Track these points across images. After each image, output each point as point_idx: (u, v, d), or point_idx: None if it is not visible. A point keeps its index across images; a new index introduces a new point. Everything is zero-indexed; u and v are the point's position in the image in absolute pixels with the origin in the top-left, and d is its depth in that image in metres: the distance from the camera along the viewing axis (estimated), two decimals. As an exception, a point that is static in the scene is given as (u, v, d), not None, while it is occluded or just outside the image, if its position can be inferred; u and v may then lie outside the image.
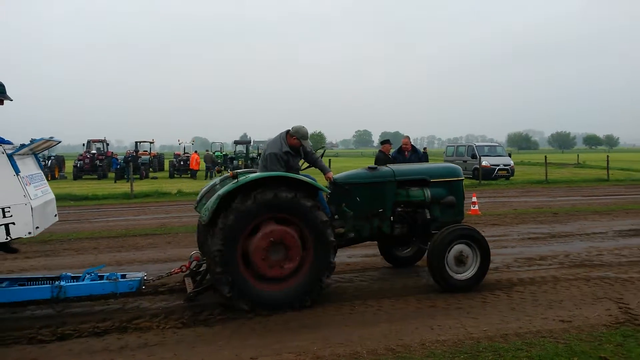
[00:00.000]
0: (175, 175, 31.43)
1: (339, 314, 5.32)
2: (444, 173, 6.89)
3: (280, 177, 5.50)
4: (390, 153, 10.66)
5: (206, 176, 29.92)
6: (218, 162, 34.13)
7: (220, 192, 5.27)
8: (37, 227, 4.68)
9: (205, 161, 30.42)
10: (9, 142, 5.07)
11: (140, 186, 21.88)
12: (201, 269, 6.00)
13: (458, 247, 6.04)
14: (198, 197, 6.23)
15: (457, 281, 6.05)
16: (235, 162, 31.54)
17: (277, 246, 5.37)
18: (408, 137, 10.72)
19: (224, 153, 38.55)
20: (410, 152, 10.50)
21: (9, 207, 4.51)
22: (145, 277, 5.68)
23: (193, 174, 29.97)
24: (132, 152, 32.84)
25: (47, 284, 5.29)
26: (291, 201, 5.39)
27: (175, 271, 5.93)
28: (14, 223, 4.55)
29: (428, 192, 6.55)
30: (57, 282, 5.26)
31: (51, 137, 5.20)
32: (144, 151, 36.32)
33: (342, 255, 7.71)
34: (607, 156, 26.54)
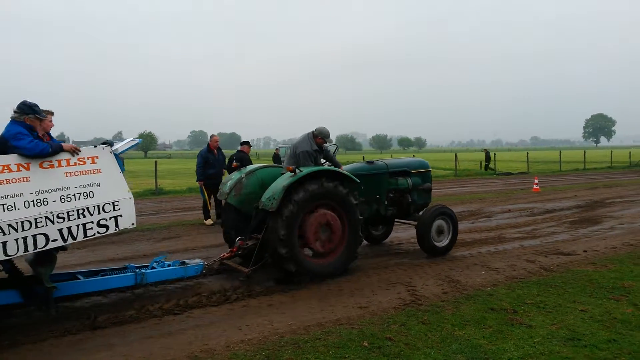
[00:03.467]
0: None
1: (142, 327, 4.99)
2: (419, 165, 8.57)
3: (329, 171, 6.73)
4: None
5: None
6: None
7: (285, 183, 6.23)
8: None
9: None
10: (60, 142, 5.16)
11: None
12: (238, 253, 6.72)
13: (438, 222, 7.80)
14: (227, 189, 7.21)
15: (438, 247, 7.81)
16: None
17: (325, 227, 6.51)
18: (217, 136, 11.68)
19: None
20: (218, 150, 11.38)
21: (118, 201, 5.10)
22: (205, 263, 6.48)
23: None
24: None
25: (117, 273, 5.80)
26: (345, 194, 6.64)
27: (226, 255, 6.71)
28: (121, 215, 5.12)
29: (410, 181, 8.21)
30: (139, 270, 5.84)
31: (137, 138, 5.87)
32: None
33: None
34: (413, 156, 30.09)
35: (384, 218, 8.14)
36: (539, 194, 17.39)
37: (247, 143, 11.81)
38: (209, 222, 11.36)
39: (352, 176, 6.89)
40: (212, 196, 11.39)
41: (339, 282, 6.50)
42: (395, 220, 8.57)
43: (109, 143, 5.38)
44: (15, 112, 4.95)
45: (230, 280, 6.55)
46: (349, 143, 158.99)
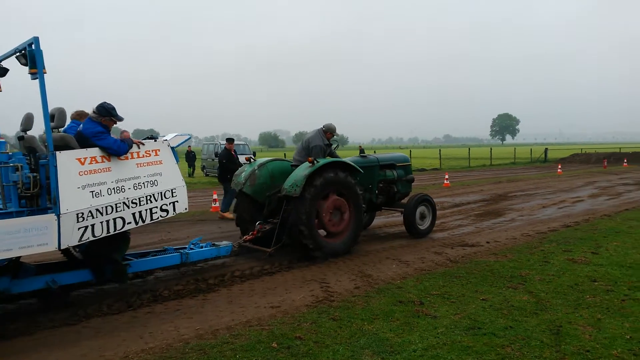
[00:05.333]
0: None
1: (32, 339, 4.55)
2: (402, 159, 9.78)
3: (340, 162, 7.73)
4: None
5: None
6: None
7: (306, 172, 7.16)
8: None
9: None
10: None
11: None
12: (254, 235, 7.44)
13: (421, 208, 9.07)
14: (242, 180, 8.03)
15: (421, 230, 9.01)
16: None
17: (336, 211, 7.54)
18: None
19: None
20: None
21: (175, 189, 5.72)
22: (234, 244, 7.17)
23: None
24: None
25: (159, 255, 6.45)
26: (353, 184, 7.72)
27: (247, 238, 7.40)
28: (177, 201, 5.75)
29: (395, 173, 9.40)
30: (183, 250, 6.58)
31: (188, 134, 6.45)
32: None
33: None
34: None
35: (375, 205, 9.20)
36: (449, 189, 18.28)
37: (232, 140, 12.50)
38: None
39: (358, 167, 7.94)
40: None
41: (252, 282, 6.36)
42: (383, 207, 9.54)
43: (154, 137, 5.95)
44: (94, 112, 5.42)
45: (134, 286, 6.18)
46: (272, 141, 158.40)
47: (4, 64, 5.12)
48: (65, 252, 5.77)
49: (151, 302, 5.59)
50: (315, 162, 7.34)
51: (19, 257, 4.79)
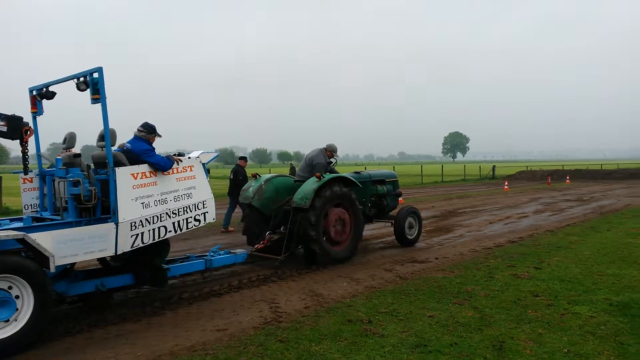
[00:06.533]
0: None
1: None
2: (391, 175, 10.69)
3: (342, 177, 8.61)
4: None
5: None
6: None
7: (314, 186, 7.91)
8: None
9: None
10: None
11: None
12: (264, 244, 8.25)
13: (409, 219, 9.96)
14: (251, 194, 8.75)
15: (409, 239, 9.90)
16: None
17: (340, 221, 8.30)
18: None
19: None
20: None
21: (205, 201, 6.30)
22: (248, 252, 7.75)
23: None
24: None
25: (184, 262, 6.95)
26: (354, 197, 8.58)
27: (259, 247, 8.16)
28: (207, 212, 6.33)
29: (385, 187, 10.23)
30: (207, 257, 7.09)
31: (216, 151, 7.02)
32: None
33: None
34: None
35: (368, 217, 9.79)
36: (401, 206, 18.55)
37: (244, 158, 13.32)
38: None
39: (358, 182, 8.87)
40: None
41: (201, 304, 6.19)
42: (374, 219, 10.26)
43: (182, 154, 6.39)
44: (140, 130, 6.05)
45: (74, 309, 5.87)
46: (228, 157, 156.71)
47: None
48: (101, 259, 6.24)
49: (91, 327, 5.33)
50: (322, 177, 8.02)
51: (75, 262, 5.26)
